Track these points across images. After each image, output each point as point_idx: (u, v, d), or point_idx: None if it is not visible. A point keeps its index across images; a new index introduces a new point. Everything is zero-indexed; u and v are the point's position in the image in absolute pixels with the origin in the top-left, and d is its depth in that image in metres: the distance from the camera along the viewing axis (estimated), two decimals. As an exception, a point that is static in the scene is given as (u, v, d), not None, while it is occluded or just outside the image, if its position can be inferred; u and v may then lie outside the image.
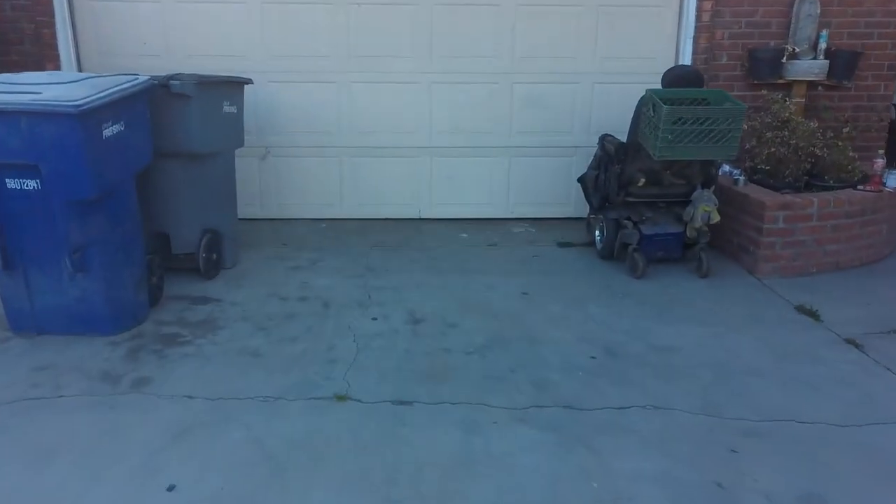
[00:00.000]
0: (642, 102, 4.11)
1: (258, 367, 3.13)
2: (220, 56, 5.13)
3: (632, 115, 4.30)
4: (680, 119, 3.85)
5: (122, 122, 3.29)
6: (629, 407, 2.83)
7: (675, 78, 4.24)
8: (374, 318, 3.67)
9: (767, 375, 3.10)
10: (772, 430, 2.67)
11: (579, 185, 4.90)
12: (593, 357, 3.26)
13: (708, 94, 4.16)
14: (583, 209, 5.43)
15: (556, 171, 5.49)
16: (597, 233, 4.74)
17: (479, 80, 5.29)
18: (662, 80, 4.31)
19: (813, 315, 3.73)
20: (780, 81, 5.09)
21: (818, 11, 4.98)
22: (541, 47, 5.25)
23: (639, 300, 3.96)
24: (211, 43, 5.15)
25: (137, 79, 3.50)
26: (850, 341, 3.41)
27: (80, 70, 5.18)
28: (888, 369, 3.13)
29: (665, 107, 3.81)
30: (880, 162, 4.64)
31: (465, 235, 5.16)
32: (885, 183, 4.59)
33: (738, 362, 3.23)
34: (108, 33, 5.12)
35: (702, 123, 3.86)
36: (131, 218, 3.49)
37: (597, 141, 4.69)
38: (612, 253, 4.50)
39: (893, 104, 6.99)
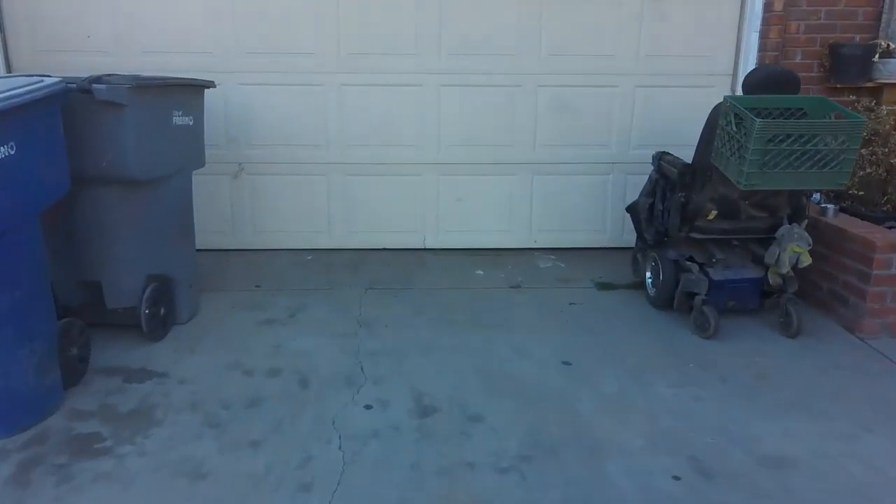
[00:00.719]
0: (719, 113, 3.15)
1: (197, 500, 2.17)
2: (182, 52, 4.18)
3: (701, 127, 3.35)
4: (776, 136, 2.90)
5: (10, 143, 2.33)
6: (749, 575, 1.88)
7: (763, 80, 3.26)
8: (369, 406, 2.71)
9: (936, 512, 2.16)
10: None
11: (628, 214, 3.95)
12: (677, 478, 2.31)
13: (805, 101, 3.19)
14: (621, 237, 4.50)
15: (590, 191, 4.55)
16: (648, 274, 3.78)
17: (498, 83, 4.35)
18: (744, 84, 3.34)
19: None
20: (870, 84, 4.15)
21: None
22: (573, 42, 4.30)
23: (719, 374, 3.00)
24: (171, 36, 4.18)
25: (42, 82, 2.54)
26: None
27: (8, 71, 4.21)
28: None
29: (757, 121, 2.85)
30: None
31: (480, 273, 4.21)
32: None
33: (877, 479, 2.28)
34: (44, 25, 4.15)
35: (805, 143, 2.90)
36: (31, 272, 2.52)
37: (650, 159, 3.74)
38: (671, 302, 3.55)
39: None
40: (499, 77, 4.33)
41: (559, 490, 2.22)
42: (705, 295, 3.36)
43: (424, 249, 4.56)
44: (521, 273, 4.20)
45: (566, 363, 3.08)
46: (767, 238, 3.37)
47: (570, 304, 3.76)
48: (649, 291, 3.75)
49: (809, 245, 3.27)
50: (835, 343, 3.32)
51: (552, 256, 4.50)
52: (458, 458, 2.38)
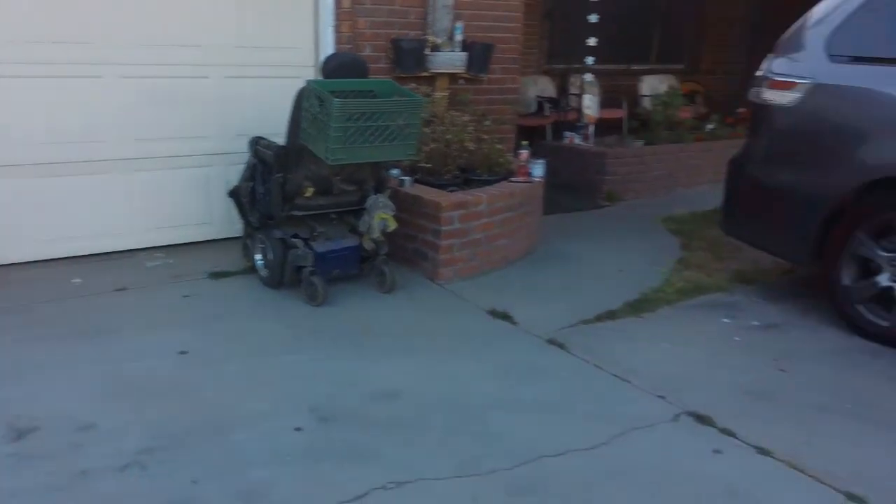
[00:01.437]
0: (303, 96, 3.41)
1: None
2: None
3: (288, 112, 3.58)
4: (354, 115, 3.26)
5: None
6: (365, 494, 2.15)
7: (338, 67, 3.62)
8: (-52, 444, 2.31)
9: (501, 404, 2.71)
10: (530, 477, 2.26)
11: (232, 200, 4.01)
12: (299, 429, 2.49)
13: (375, 84, 3.65)
14: (231, 228, 4.54)
15: (192, 185, 4.47)
16: (258, 256, 3.92)
17: (73, 73, 3.98)
18: (322, 69, 3.66)
19: (507, 318, 3.53)
20: (425, 74, 4.89)
21: (452, 2, 4.89)
22: (162, 31, 4.15)
23: (332, 335, 3.29)
24: None
25: None
26: (553, 342, 3.25)
27: None
28: (599, 367, 3.02)
29: (336, 101, 3.17)
30: (525, 153, 4.74)
31: (78, 281, 3.84)
32: (531, 173, 4.71)
33: (466, 395, 2.79)
34: None
35: (376, 119, 3.33)
36: None
37: (246, 146, 3.85)
38: (282, 279, 3.74)
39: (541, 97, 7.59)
40: (72, 67, 3.97)
41: (187, 470, 2.22)
42: (312, 266, 3.63)
43: (5, 266, 3.97)
44: (128, 275, 3.95)
45: (184, 353, 3.04)
46: (359, 209, 3.78)
47: (184, 297, 3.69)
48: (261, 273, 3.89)
49: (393, 211, 3.76)
50: (422, 292, 3.89)
51: (161, 254, 4.32)
52: (67, 471, 2.20)
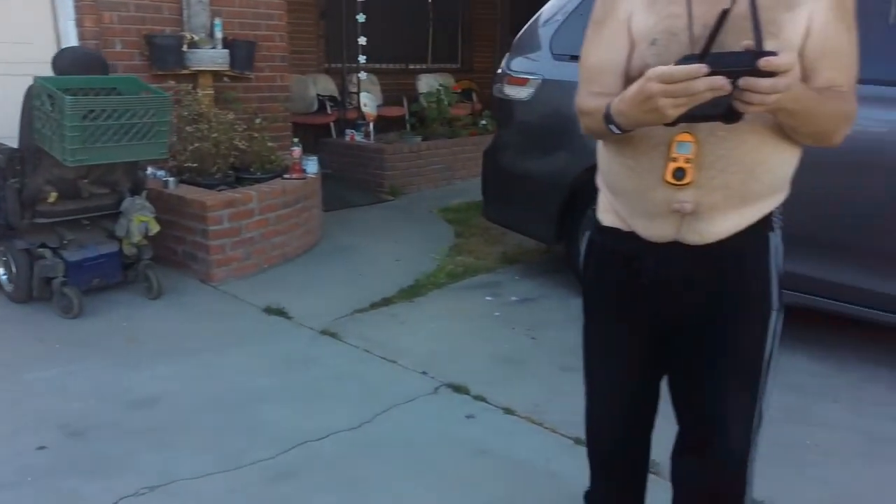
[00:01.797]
0: (33, 95, 3.14)
1: None
2: None
3: (20, 113, 3.27)
4: (91, 113, 3.06)
5: None
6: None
7: (71, 63, 3.36)
8: None
9: (271, 397, 2.73)
10: (292, 462, 2.31)
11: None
12: (43, 447, 2.32)
13: (117, 81, 3.45)
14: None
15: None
16: (1, 270, 3.55)
17: None
18: (53, 66, 3.38)
19: (283, 314, 3.53)
20: (186, 72, 4.71)
21: (209, -2, 4.76)
22: None
23: (91, 347, 3.08)
24: None
25: None
26: (326, 333, 3.32)
27: None
28: (369, 352, 3.13)
29: (67, 98, 2.96)
30: (297, 150, 4.75)
31: None
32: (304, 169, 4.73)
33: (235, 392, 2.76)
34: None
35: (120, 117, 3.16)
36: None
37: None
38: (31, 293, 3.42)
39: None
40: None
41: None
42: (64, 277, 3.36)
43: None
44: None
45: None
46: (115, 213, 3.56)
47: None
48: (6, 288, 3.53)
49: (153, 213, 3.59)
50: (194, 295, 3.77)
51: None
52: None
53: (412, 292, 3.90)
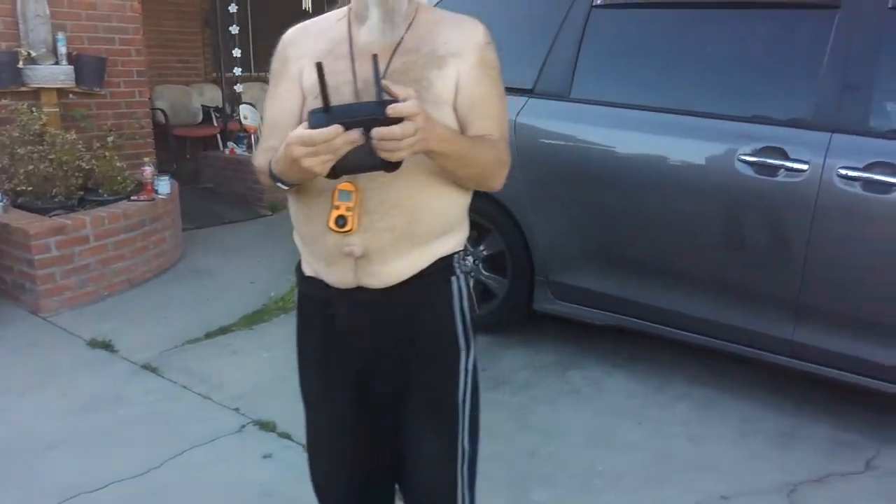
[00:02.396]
0: None
1: None
2: None
3: None
4: None
5: None
6: None
7: None
8: None
9: (64, 441, 2.60)
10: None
11: None
12: None
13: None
14: None
15: None
16: None
17: None
18: None
19: (108, 347, 3.39)
20: (25, 89, 4.48)
21: (48, 12, 4.52)
22: None
23: None
24: None
25: None
26: (148, 367, 3.20)
27: None
28: (186, 388, 3.03)
29: None
30: (148, 170, 4.59)
31: None
32: (156, 190, 4.57)
33: (27, 437, 2.61)
34: None
35: None
36: None
37: None
38: None
39: (160, 109, 7.27)
40: None
41: None
42: None
43: None
44: None
45: None
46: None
47: None
48: None
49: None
50: (18, 328, 3.58)
51: None
52: None
53: (255, 318, 3.81)
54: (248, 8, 7.40)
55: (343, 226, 1.36)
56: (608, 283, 3.12)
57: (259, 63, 8.79)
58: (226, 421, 2.77)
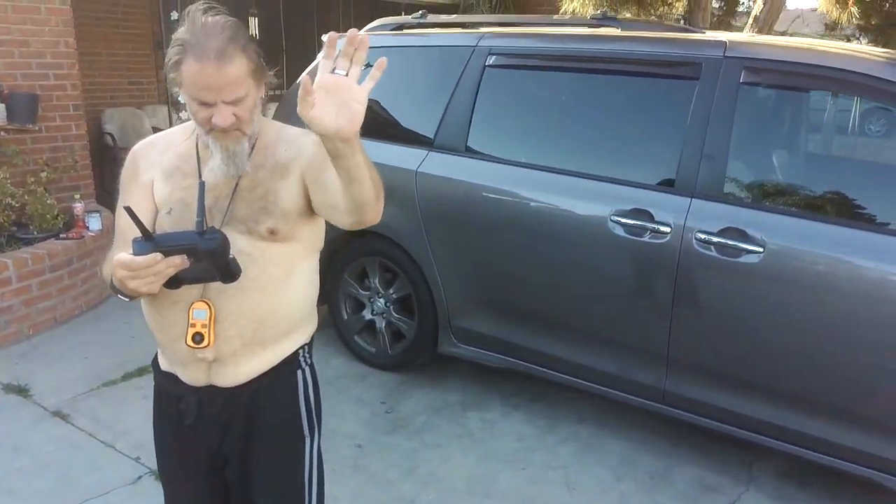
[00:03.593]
0: None
1: None
2: None
3: None
4: None
5: None
6: None
7: None
8: None
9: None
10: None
11: None
12: None
13: None
14: None
15: None
16: None
17: None
18: None
19: (23, 391, 3.47)
20: (-46, 128, 4.54)
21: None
22: None
23: None
24: None
25: None
26: (58, 414, 3.28)
27: None
28: (92, 435, 3.12)
29: None
30: (79, 206, 4.67)
31: None
32: (87, 226, 4.65)
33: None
34: None
35: None
36: None
37: None
38: None
39: (108, 133, 7.33)
40: None
41: None
42: None
43: None
44: None
45: None
46: None
47: None
48: None
49: None
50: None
51: None
52: None
53: (175, 358, 3.90)
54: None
55: (200, 342, 1.50)
56: (500, 328, 3.27)
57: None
58: (123, 471, 2.87)
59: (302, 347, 1.70)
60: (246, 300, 1.52)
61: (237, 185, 1.55)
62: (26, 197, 4.53)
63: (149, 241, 1.31)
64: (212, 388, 1.60)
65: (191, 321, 1.50)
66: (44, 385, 3.53)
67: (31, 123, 4.89)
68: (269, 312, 1.56)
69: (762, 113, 2.90)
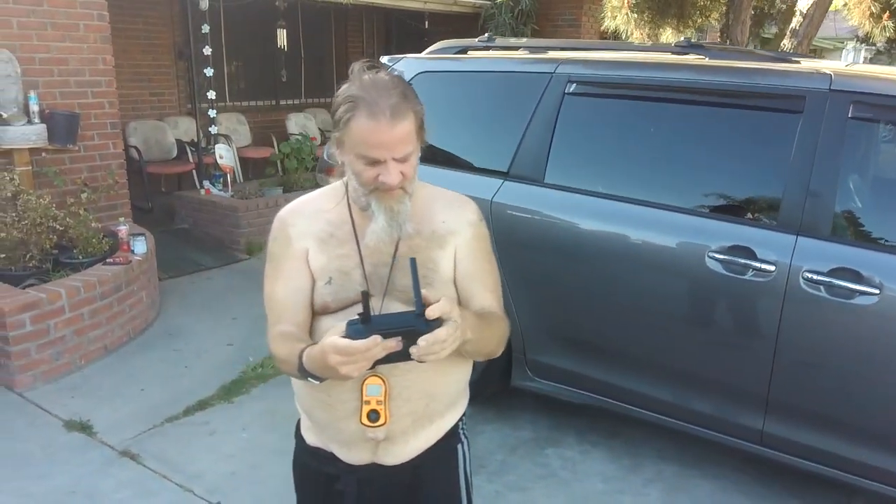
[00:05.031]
0: None
1: None
2: None
3: None
4: None
5: None
6: None
7: None
8: None
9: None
10: None
11: None
12: None
13: None
14: None
15: None
16: None
17: None
18: None
19: (85, 428, 3.36)
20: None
21: (19, 71, 4.47)
22: None
23: None
24: None
25: None
26: (126, 454, 3.17)
27: None
28: (166, 478, 3.02)
29: None
30: (124, 229, 4.56)
31: None
32: (133, 250, 4.54)
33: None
34: None
35: None
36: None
37: None
38: None
39: (133, 147, 7.20)
40: None
41: None
42: None
43: None
44: None
45: None
46: None
47: None
48: None
49: (-62, 327, 3.35)
50: (-8, 408, 3.54)
51: None
52: None
53: (234, 389, 3.80)
54: (223, 42, 7.39)
55: (376, 420, 1.42)
56: (582, 363, 3.17)
57: (233, 94, 8.77)
58: (207, 518, 2.77)
59: (461, 419, 1.63)
60: (419, 375, 1.45)
61: (395, 252, 1.47)
62: (68, 220, 4.42)
63: (365, 323, 1.23)
64: (372, 467, 1.53)
65: (364, 398, 1.42)
66: (105, 421, 3.42)
67: (71, 144, 4.78)
68: (439, 386, 1.51)
69: (872, 149, 2.81)
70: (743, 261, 2.68)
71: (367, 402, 1.41)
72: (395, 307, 1.43)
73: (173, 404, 3.62)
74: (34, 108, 4.52)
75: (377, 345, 1.21)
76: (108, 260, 4.36)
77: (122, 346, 4.27)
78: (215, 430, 3.43)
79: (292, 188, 6.96)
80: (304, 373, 1.34)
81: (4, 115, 4.39)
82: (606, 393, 3.14)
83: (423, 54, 3.86)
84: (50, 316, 3.79)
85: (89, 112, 4.97)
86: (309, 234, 1.52)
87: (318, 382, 1.36)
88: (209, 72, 6.46)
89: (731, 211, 2.80)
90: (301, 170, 7.16)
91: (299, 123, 8.88)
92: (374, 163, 1.37)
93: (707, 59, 3.06)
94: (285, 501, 2.82)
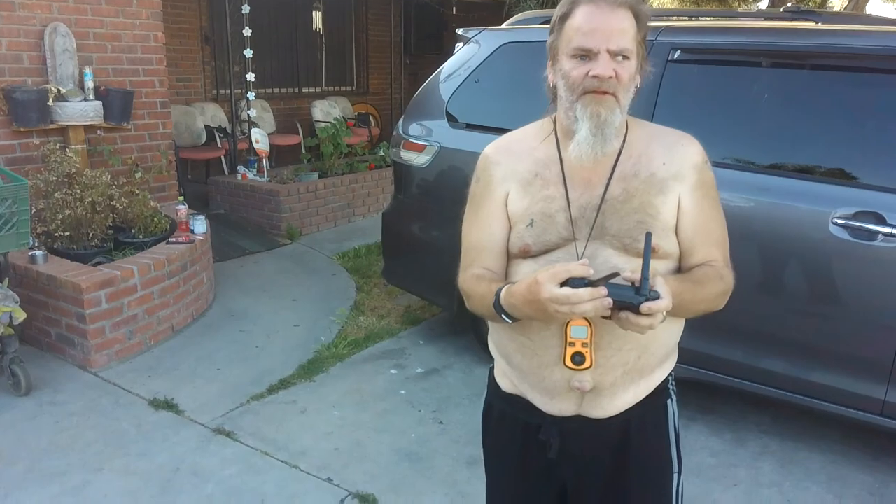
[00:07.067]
0: None
1: None
2: None
3: None
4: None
5: None
6: None
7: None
8: None
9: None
10: None
11: None
12: None
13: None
14: None
15: None
16: None
17: None
18: None
19: (172, 407, 3.27)
20: (54, 127, 4.30)
21: (75, 46, 4.34)
22: None
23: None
24: None
25: None
26: (220, 431, 3.08)
27: None
28: (267, 454, 2.93)
29: None
30: (183, 209, 4.47)
31: None
32: (192, 230, 4.44)
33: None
34: None
35: (-27, 211, 2.80)
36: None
37: None
38: None
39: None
40: None
41: None
42: None
43: None
44: None
45: None
46: (-29, 305, 3.17)
47: None
48: None
49: (16, 302, 3.23)
50: (71, 387, 3.42)
51: None
52: None
53: (312, 368, 3.71)
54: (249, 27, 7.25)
55: (580, 363, 1.33)
56: (687, 337, 3.11)
57: (256, 82, 8.63)
58: (322, 495, 2.69)
59: (670, 374, 1.55)
60: None
61: (604, 195, 1.39)
62: (125, 199, 4.30)
63: (586, 285, 1.19)
64: (577, 420, 1.45)
65: (569, 339, 1.32)
66: (190, 401, 3.33)
67: (126, 122, 4.67)
68: (653, 338, 1.39)
69: None
70: (871, 226, 2.64)
71: (572, 344, 1.31)
72: (603, 253, 1.36)
73: (255, 383, 3.53)
74: (89, 84, 4.40)
75: (595, 297, 1.16)
76: (170, 239, 4.25)
77: (188, 327, 4.17)
78: (305, 408, 3.34)
79: (327, 174, 6.85)
80: (498, 309, 1.32)
81: (62, 91, 4.26)
82: (717, 368, 3.08)
83: (504, 25, 3.79)
84: (124, 294, 3.68)
85: (140, 90, 4.85)
86: (513, 175, 1.45)
87: (509, 321, 1.32)
88: (248, 53, 6.33)
89: (858, 175, 2.75)
90: (336, 155, 7.05)
91: (324, 111, 8.78)
92: (586, 57, 1.31)
93: (818, 23, 3.01)
94: (398, 477, 2.80)
